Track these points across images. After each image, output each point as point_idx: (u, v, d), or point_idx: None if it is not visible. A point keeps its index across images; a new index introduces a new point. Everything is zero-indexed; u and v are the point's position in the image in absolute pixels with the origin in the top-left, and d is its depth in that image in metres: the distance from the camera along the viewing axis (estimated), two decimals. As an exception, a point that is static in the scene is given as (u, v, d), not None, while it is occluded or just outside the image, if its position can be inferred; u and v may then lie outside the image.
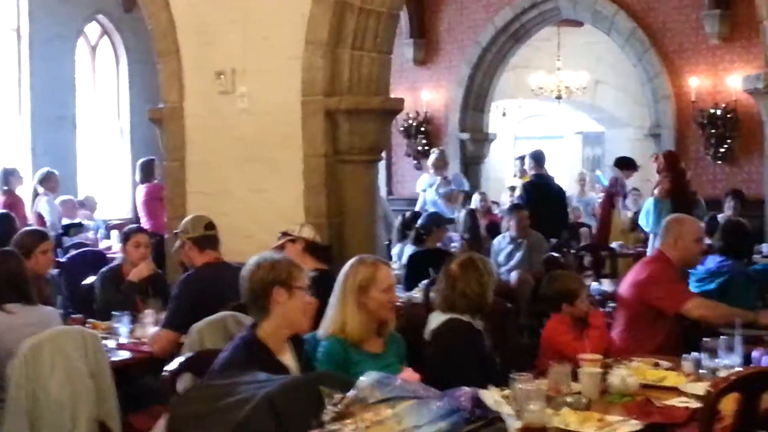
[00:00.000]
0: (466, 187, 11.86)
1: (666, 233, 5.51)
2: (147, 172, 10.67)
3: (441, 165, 11.47)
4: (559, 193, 10.65)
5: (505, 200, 12.01)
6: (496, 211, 11.94)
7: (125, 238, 6.42)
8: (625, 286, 5.53)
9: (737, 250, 6.05)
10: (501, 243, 9.00)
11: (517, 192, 11.16)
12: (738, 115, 12.37)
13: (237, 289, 5.32)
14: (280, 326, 3.69)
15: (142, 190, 10.71)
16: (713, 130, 12.55)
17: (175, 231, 5.91)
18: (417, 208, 11.01)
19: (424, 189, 11.71)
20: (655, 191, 9.15)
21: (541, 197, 9.80)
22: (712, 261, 5.98)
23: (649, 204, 9.20)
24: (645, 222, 9.24)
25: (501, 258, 8.85)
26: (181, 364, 3.90)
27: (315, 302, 3.83)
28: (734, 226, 6.34)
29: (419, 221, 9.16)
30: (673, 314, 5.24)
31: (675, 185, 8.99)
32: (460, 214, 10.68)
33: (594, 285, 7.53)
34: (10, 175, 10.72)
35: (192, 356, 4.07)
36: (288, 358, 3.72)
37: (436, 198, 11.22)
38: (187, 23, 7.05)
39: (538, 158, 10.60)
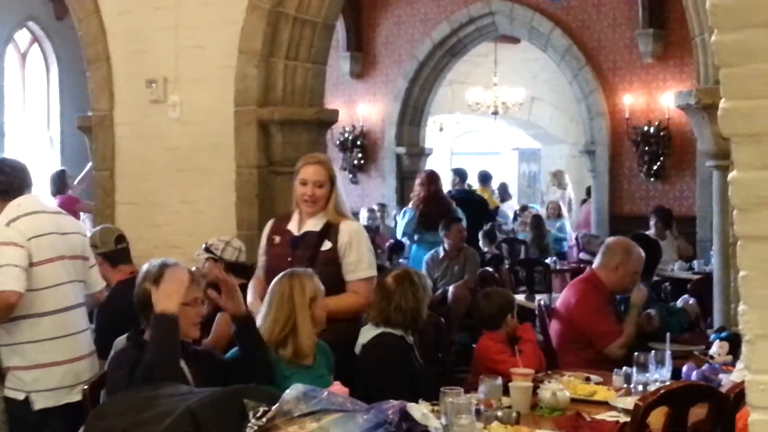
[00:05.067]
0: None
1: (609, 254, 5.43)
2: (59, 183, 10.35)
3: None
4: (481, 204, 11.17)
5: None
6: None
7: None
8: (559, 304, 5.54)
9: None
10: (435, 258, 8.96)
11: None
12: (671, 133, 12.57)
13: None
14: None
15: (54, 202, 10.32)
16: (646, 148, 12.73)
17: None
18: None
19: None
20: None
21: (463, 209, 9.92)
22: None
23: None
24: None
25: (436, 273, 8.81)
26: (102, 377, 3.78)
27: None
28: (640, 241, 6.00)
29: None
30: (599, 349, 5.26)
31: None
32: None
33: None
34: None
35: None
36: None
37: None
38: (118, 30, 6.92)
39: (461, 174, 11.61)
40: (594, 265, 5.54)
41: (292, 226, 4.87)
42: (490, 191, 13.79)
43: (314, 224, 4.78)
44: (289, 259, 4.68)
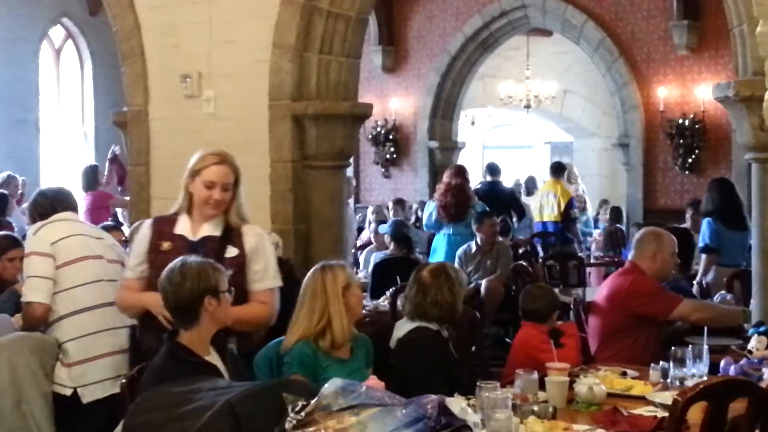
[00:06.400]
0: None
1: (643, 246, 5.45)
2: (90, 179, 10.31)
3: None
4: (508, 197, 11.43)
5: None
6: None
7: None
8: (601, 298, 5.50)
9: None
10: (467, 252, 8.93)
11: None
12: (706, 125, 12.46)
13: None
14: (207, 330, 3.66)
15: (86, 198, 10.17)
16: (681, 141, 12.63)
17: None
18: None
19: None
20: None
21: (488, 200, 10.06)
22: None
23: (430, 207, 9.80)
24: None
25: (469, 267, 8.79)
26: (139, 370, 3.80)
27: None
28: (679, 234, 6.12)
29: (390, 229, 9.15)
30: (664, 319, 5.27)
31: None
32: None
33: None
34: None
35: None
36: (213, 358, 3.67)
37: None
38: (152, 25, 6.95)
39: (491, 169, 11.57)
40: (632, 258, 5.54)
41: (183, 230, 4.28)
42: (564, 183, 12.52)
43: (213, 228, 4.26)
44: None
